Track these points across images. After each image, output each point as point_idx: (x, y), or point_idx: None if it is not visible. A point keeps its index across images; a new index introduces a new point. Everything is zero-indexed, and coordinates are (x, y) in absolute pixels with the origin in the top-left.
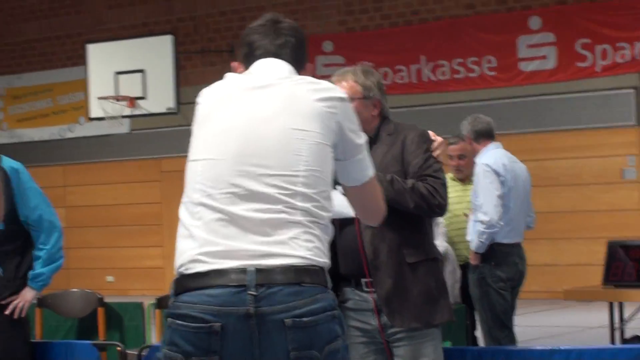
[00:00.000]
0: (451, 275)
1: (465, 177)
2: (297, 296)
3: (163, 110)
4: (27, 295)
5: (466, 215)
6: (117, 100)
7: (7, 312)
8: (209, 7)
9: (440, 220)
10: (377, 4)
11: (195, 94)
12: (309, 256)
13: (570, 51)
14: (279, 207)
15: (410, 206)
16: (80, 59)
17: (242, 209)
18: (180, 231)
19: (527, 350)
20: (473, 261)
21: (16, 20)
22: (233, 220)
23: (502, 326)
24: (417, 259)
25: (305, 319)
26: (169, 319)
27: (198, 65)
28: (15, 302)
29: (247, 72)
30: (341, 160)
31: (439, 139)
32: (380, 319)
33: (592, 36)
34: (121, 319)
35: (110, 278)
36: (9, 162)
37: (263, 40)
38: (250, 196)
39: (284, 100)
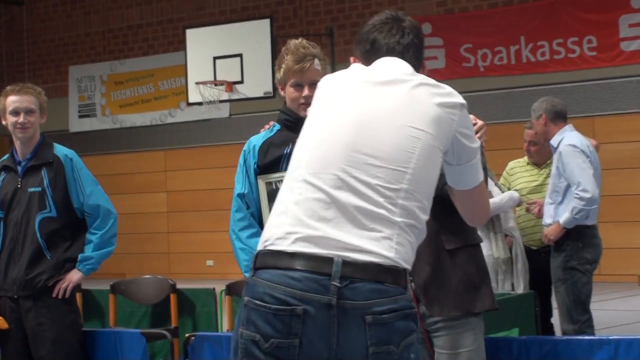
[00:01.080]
0: (522, 266)
1: (542, 160)
2: (379, 294)
3: (260, 94)
4: (73, 276)
5: (528, 209)
6: (215, 85)
7: (53, 294)
8: None
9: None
10: None
11: None
12: (395, 258)
13: None
14: (381, 200)
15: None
16: (181, 44)
17: (345, 195)
18: (275, 206)
19: (574, 340)
20: (555, 235)
21: (118, 6)
22: (334, 203)
23: (584, 310)
24: (456, 245)
25: (385, 316)
26: (246, 298)
27: None
28: (60, 283)
29: (370, 67)
30: (453, 165)
31: (479, 122)
32: (420, 308)
33: None
34: (193, 306)
35: (210, 262)
36: (62, 150)
37: (388, 39)
38: (355, 184)
39: (405, 98)
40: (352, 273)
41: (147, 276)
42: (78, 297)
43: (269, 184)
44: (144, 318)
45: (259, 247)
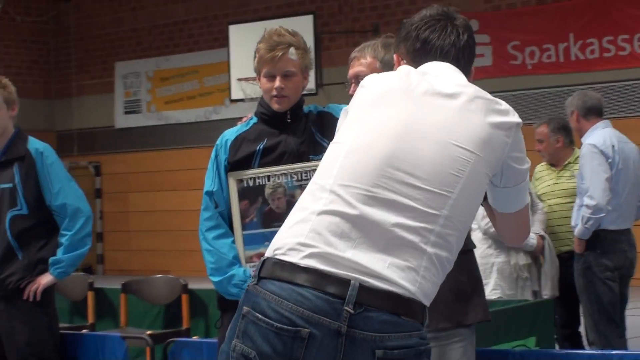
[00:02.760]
0: (550, 267)
1: (559, 162)
2: (393, 327)
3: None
4: (43, 279)
5: None
6: (257, 81)
7: (24, 297)
8: None
9: (540, 206)
10: None
11: (339, 75)
12: (417, 292)
13: None
14: (416, 225)
15: None
16: (225, 41)
17: (376, 214)
18: (294, 212)
19: (573, 354)
20: (577, 249)
21: (165, 2)
22: (361, 221)
23: (609, 320)
24: None
25: (396, 352)
26: (246, 308)
27: (342, 45)
28: (30, 286)
29: (420, 71)
30: (499, 187)
31: None
32: None
33: None
34: (206, 306)
35: None
36: (34, 144)
37: (442, 40)
38: (389, 204)
39: (457, 113)
40: (368, 300)
41: (159, 275)
42: (90, 295)
43: (239, 181)
44: (157, 319)
45: (268, 253)
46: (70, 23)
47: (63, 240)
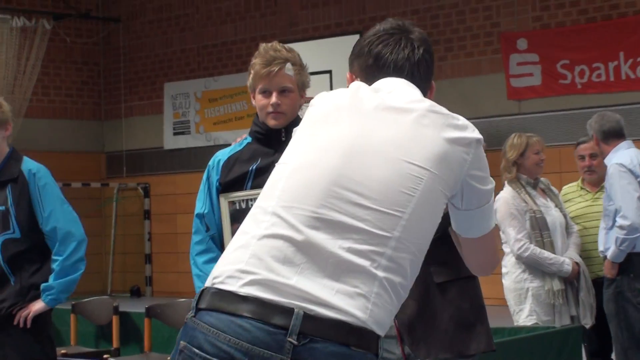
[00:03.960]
0: (587, 295)
1: (597, 182)
2: (342, 359)
3: None
4: (34, 306)
5: None
6: (306, 102)
7: (14, 322)
8: (400, 5)
9: (575, 228)
10: None
11: None
12: (367, 320)
13: None
14: (365, 249)
15: None
16: None
17: (321, 237)
18: (236, 238)
19: None
20: (609, 273)
21: (213, 22)
22: (305, 245)
23: (639, 348)
24: (447, 278)
25: None
26: (182, 343)
27: None
28: (20, 312)
29: (373, 87)
30: (462, 210)
31: None
32: (404, 348)
33: None
34: None
35: None
36: (28, 165)
37: (395, 54)
38: (335, 226)
39: (409, 129)
40: (313, 330)
41: (183, 299)
42: (115, 320)
43: (232, 203)
44: None
45: (207, 282)
46: (120, 44)
47: (54, 265)
